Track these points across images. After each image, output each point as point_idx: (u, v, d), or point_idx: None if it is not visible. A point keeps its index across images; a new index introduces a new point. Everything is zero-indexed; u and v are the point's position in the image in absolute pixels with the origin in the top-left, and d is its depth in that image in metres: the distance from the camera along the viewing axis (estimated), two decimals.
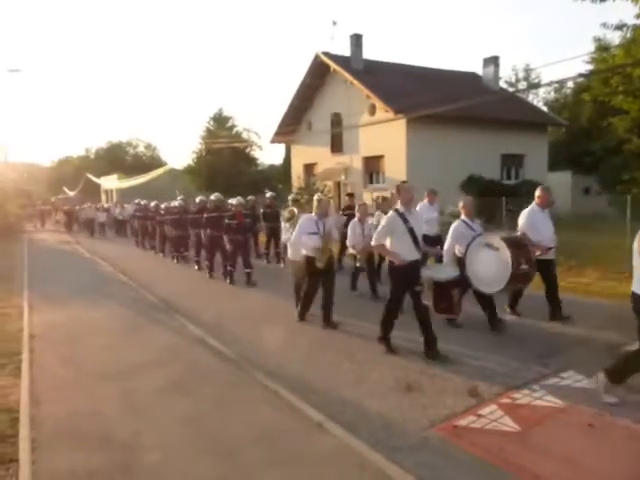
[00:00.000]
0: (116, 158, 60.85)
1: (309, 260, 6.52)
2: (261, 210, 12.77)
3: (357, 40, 22.32)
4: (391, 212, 5.47)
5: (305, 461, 3.37)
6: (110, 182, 45.01)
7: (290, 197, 12.69)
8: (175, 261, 13.68)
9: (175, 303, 8.39)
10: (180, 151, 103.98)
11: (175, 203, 14.12)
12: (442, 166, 18.33)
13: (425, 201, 8.54)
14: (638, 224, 10.07)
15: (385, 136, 19.23)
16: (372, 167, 21.53)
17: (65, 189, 52.24)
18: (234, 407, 4.25)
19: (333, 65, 21.72)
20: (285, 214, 6.99)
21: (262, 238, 13.49)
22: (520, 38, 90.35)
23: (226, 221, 9.93)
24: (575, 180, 25.17)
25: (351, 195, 12.42)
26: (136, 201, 19.73)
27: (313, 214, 6.66)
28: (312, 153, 24.61)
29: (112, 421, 4.05)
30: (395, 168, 19.44)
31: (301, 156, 25.98)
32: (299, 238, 6.51)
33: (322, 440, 3.61)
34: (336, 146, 22.87)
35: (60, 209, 35.24)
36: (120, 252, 17.20)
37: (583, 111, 27.42)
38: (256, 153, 37.39)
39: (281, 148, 36.65)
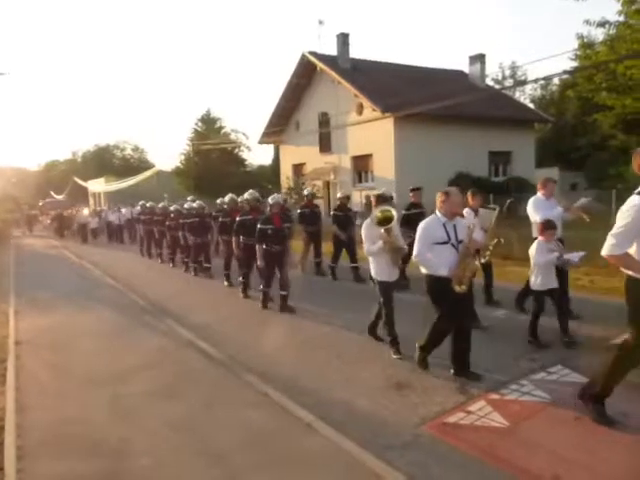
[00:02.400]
0: (104, 161, 60.39)
1: (439, 283, 4.50)
2: (298, 210, 10.88)
3: (344, 39, 22.36)
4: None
5: (295, 462, 3.36)
6: (98, 185, 44.63)
7: (307, 191, 11.43)
8: (193, 273, 11.57)
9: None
10: (168, 153, 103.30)
11: (192, 204, 11.74)
12: (430, 164, 18.42)
13: (539, 194, 6.28)
14: None
15: (373, 135, 19.28)
16: (361, 166, 21.58)
17: (52, 193, 51.68)
18: (224, 410, 4.22)
19: (320, 65, 21.73)
20: (377, 215, 5.03)
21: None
22: (506, 36, 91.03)
23: (259, 226, 7.47)
24: (562, 176, 25.43)
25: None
26: (140, 203, 17.56)
27: (438, 213, 4.64)
28: (301, 153, 24.60)
29: (100, 427, 4.01)
30: (384, 167, 19.51)
31: (290, 156, 25.96)
32: (423, 254, 4.51)
33: (312, 441, 3.60)
34: (325, 146, 22.88)
35: (47, 213, 34.48)
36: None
37: (569, 107, 27.75)
38: (245, 154, 37.44)
39: (270, 149, 36.67)
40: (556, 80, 30.38)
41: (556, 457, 3.23)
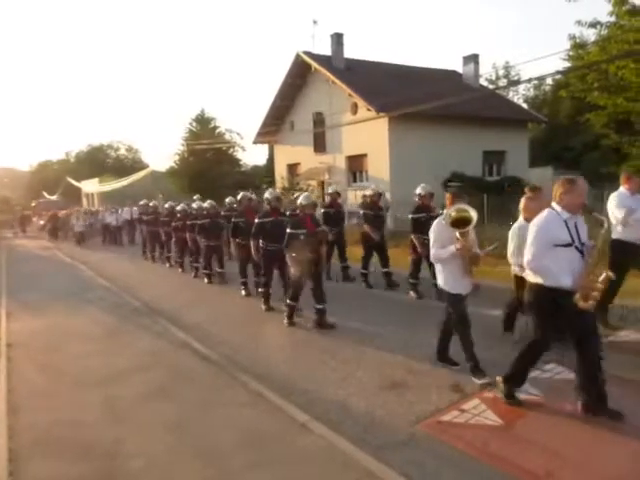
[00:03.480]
0: (97, 161, 60.16)
1: (556, 297, 3.60)
2: (321, 210, 9.77)
3: (338, 39, 22.34)
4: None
5: (290, 462, 3.35)
6: (91, 186, 44.39)
7: (332, 189, 10.34)
8: (206, 280, 10.37)
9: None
10: (162, 153, 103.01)
11: (202, 204, 10.74)
12: (425, 164, 18.44)
13: (623, 189, 5.66)
14: None
15: (368, 135, 19.29)
16: (355, 166, 21.58)
17: (45, 193, 51.35)
18: (218, 410, 4.21)
19: (314, 64, 21.71)
20: (451, 215, 4.31)
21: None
22: (499, 36, 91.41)
23: (289, 231, 6.51)
24: (556, 176, 25.57)
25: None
26: (142, 202, 16.43)
27: (557, 208, 3.71)
28: (295, 153, 24.57)
29: (94, 429, 3.98)
30: (378, 167, 19.52)
31: (284, 156, 25.92)
32: (539, 259, 3.63)
33: (307, 440, 3.60)
34: (319, 146, 22.86)
35: (41, 214, 33.88)
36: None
37: (562, 107, 27.90)
38: (239, 154, 37.37)
39: (264, 149, 36.61)
40: (549, 80, 30.60)
41: (550, 454, 3.24)
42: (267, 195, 7.75)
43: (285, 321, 6.75)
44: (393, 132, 18.91)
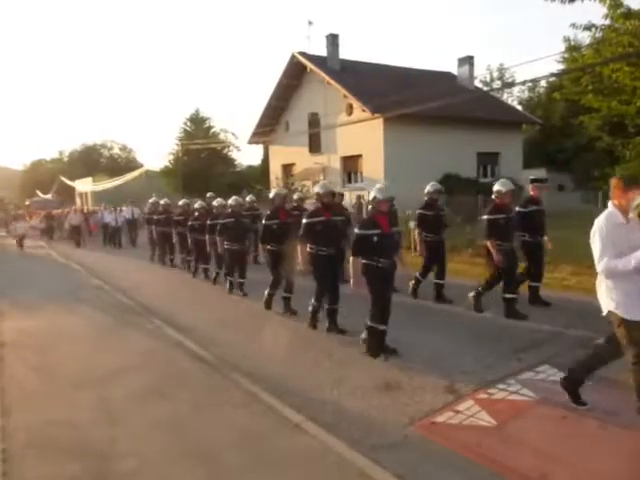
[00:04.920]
0: (91, 161, 59.90)
1: None
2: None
3: (333, 40, 22.38)
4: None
5: (284, 463, 3.35)
6: (85, 185, 44.16)
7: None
8: (228, 288, 9.03)
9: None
10: (156, 153, 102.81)
11: (223, 201, 9.71)
12: (419, 165, 18.50)
13: None
14: None
15: (362, 136, 19.33)
16: (350, 167, 21.62)
17: (38, 192, 51.03)
18: (212, 411, 4.20)
19: (310, 65, 21.73)
20: None
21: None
22: (494, 38, 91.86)
23: (359, 232, 5.31)
24: (549, 177, 25.66)
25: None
26: (152, 200, 14.95)
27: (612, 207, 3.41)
28: (290, 153, 24.57)
29: (87, 429, 3.96)
30: (373, 167, 19.56)
31: (279, 156, 25.91)
32: (616, 264, 3.26)
33: (301, 441, 3.59)
34: (314, 146, 22.88)
35: (35, 213, 33.34)
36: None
37: (556, 110, 28.05)
38: (234, 154, 37.35)
39: (259, 149, 36.60)
40: (543, 82, 30.75)
41: (544, 456, 3.26)
42: (318, 189, 6.35)
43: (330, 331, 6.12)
44: (388, 133, 18.96)
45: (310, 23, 27.79)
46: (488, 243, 6.47)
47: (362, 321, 5.37)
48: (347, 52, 33.56)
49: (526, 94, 36.83)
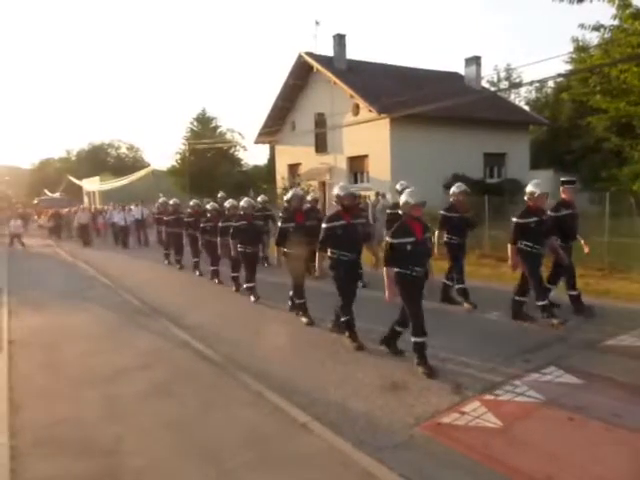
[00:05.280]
0: (98, 160, 60.21)
1: None
2: (388, 211, 8.39)
3: (340, 40, 22.38)
4: None
5: (290, 462, 3.37)
6: (92, 184, 44.44)
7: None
8: (253, 299, 8.30)
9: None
10: (163, 152, 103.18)
11: (234, 202, 9.36)
12: (426, 165, 18.47)
13: None
14: (617, 221, 10.34)
15: (369, 136, 19.31)
16: (356, 167, 21.61)
17: (46, 191, 51.39)
18: (219, 410, 4.22)
19: (316, 65, 21.74)
20: None
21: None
22: (501, 38, 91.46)
23: (391, 240, 4.91)
24: (557, 178, 25.52)
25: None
26: (161, 200, 14.49)
27: None
28: (296, 153, 24.59)
29: (95, 427, 3.99)
30: (379, 168, 19.54)
31: (285, 156, 25.95)
32: None
33: (307, 441, 3.61)
34: (320, 146, 22.89)
35: (44, 212, 33.34)
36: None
37: (563, 110, 27.87)
38: (240, 154, 37.42)
39: (265, 149, 36.64)
40: (551, 83, 30.54)
41: (549, 457, 3.25)
42: (338, 191, 5.90)
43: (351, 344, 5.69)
44: (394, 133, 18.93)
45: (317, 23, 27.89)
46: (509, 247, 6.17)
47: (368, 323, 5.36)
48: (354, 52, 33.56)
49: (533, 94, 36.63)
